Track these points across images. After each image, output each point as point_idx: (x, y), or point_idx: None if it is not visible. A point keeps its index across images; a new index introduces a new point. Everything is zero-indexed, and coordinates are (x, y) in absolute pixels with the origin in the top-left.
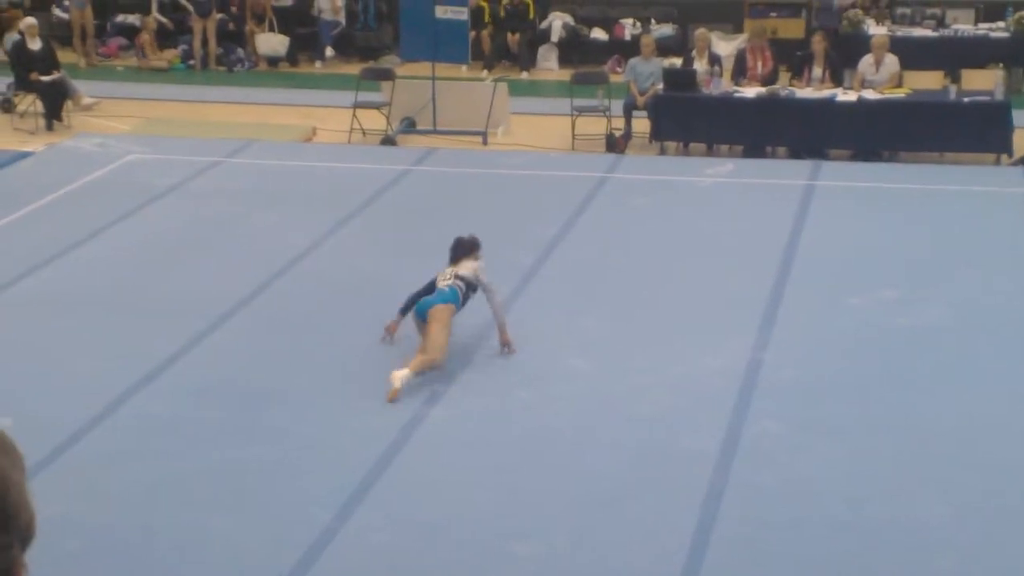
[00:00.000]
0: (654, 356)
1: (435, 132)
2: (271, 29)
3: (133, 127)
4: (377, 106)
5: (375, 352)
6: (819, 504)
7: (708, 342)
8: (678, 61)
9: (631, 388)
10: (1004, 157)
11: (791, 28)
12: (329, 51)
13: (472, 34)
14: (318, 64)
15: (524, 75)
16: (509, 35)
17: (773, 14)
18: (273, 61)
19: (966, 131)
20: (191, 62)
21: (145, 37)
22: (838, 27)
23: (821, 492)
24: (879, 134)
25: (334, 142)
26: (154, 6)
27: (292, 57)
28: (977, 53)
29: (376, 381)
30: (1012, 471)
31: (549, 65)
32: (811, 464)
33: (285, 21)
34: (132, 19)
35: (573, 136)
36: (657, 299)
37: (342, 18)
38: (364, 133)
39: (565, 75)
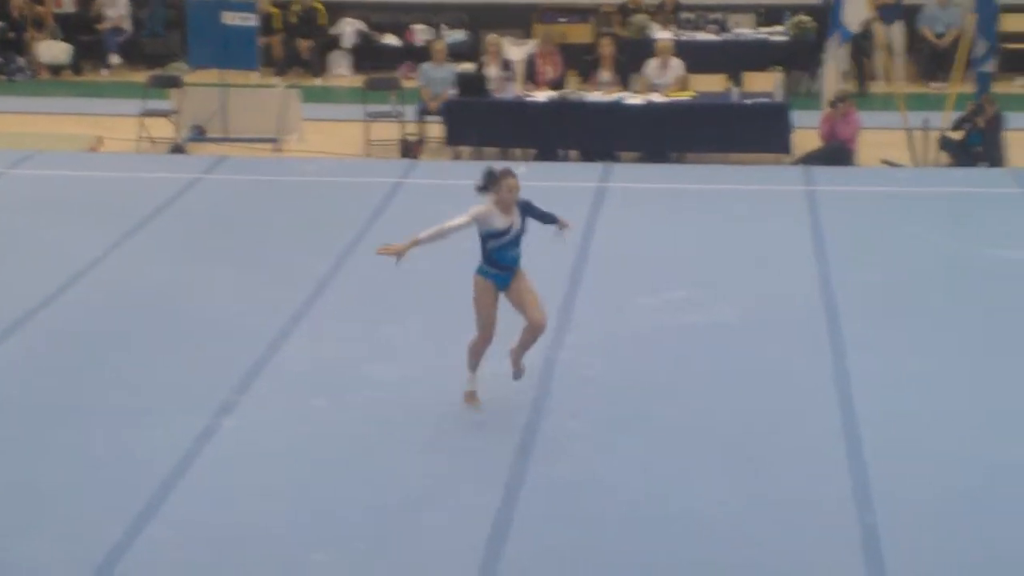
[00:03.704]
0: (452, 360)
1: (226, 140)
2: (53, 36)
3: None
4: (165, 114)
5: (165, 364)
6: (618, 499)
7: (503, 344)
8: (470, 66)
9: (429, 392)
10: (784, 156)
11: (580, 33)
12: (115, 58)
13: (263, 40)
14: (104, 72)
15: (317, 81)
16: (300, 41)
17: (562, 19)
18: (56, 69)
19: (748, 132)
20: None
21: None
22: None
23: (619, 487)
24: (666, 136)
25: (122, 151)
26: None
27: (76, 65)
28: (757, 56)
29: (167, 392)
30: (800, 463)
31: (342, 71)
32: (609, 460)
33: (67, 28)
34: None
35: (367, 142)
36: (453, 303)
37: (126, 25)
38: (153, 142)
39: (358, 81)
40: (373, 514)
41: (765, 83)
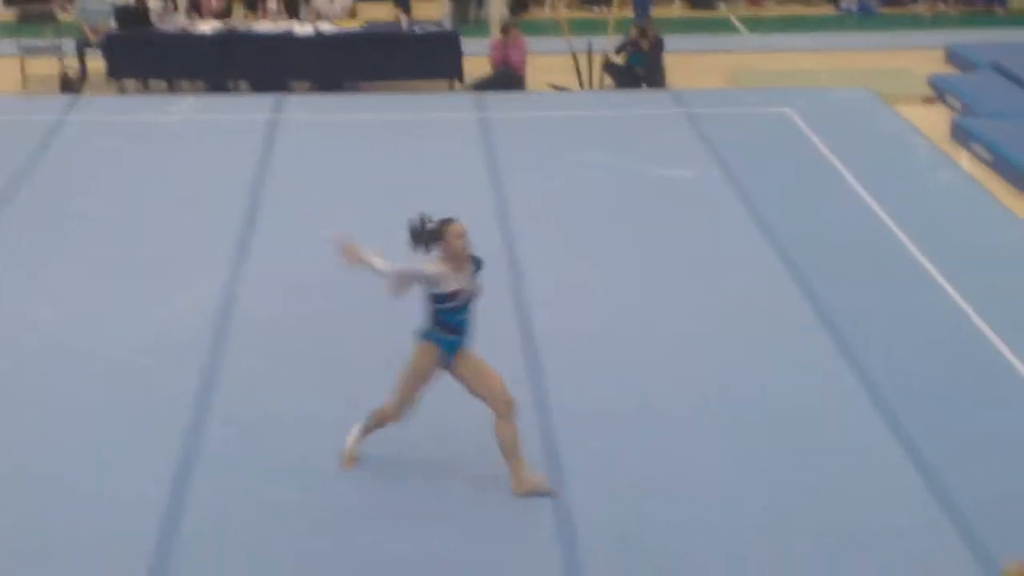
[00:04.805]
0: (126, 301)
1: None
2: None
3: None
4: None
5: None
6: (298, 438)
7: (182, 282)
8: None
9: (102, 334)
10: (457, 83)
11: None
12: None
13: None
14: None
15: None
16: None
17: None
18: None
19: (421, 60)
20: None
21: None
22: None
23: (301, 425)
24: (338, 66)
25: None
26: None
27: None
28: None
29: None
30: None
31: None
32: (296, 397)
33: None
34: None
35: (24, 78)
36: (127, 243)
37: None
38: None
39: (10, 15)
40: (45, 463)
41: (434, 11)
